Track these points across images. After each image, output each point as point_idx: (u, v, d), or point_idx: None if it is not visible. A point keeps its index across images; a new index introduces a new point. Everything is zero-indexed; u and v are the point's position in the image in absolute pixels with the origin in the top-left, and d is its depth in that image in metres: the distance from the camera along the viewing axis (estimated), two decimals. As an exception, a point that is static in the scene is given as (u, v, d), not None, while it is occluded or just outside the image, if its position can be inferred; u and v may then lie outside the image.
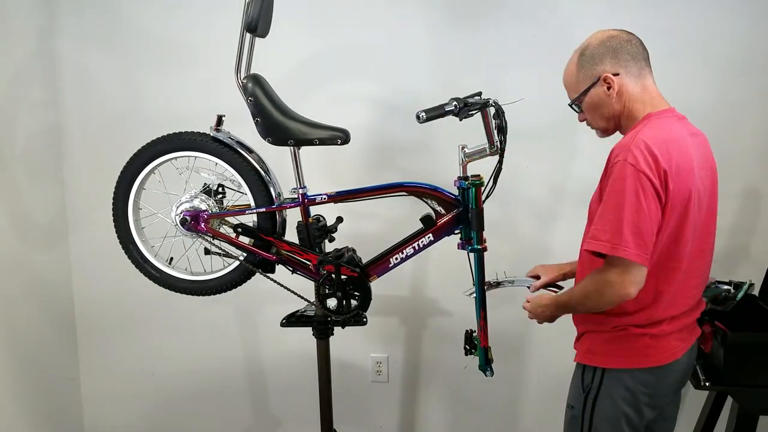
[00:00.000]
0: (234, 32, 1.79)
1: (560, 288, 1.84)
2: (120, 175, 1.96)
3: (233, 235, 1.91)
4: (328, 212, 2.00)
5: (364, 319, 1.91)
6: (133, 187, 1.96)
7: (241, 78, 1.80)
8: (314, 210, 1.92)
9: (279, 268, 1.95)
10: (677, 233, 1.45)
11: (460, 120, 1.72)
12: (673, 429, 1.74)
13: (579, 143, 2.38)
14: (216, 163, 1.89)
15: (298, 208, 1.87)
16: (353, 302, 1.87)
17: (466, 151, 1.76)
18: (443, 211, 1.79)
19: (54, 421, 2.75)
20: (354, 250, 1.91)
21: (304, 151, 1.84)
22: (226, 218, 1.95)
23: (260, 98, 1.79)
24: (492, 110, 1.72)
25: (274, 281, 1.92)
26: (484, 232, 1.78)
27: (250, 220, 1.92)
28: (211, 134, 1.87)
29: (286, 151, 1.84)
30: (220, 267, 1.98)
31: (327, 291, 1.87)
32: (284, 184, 1.94)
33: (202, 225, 1.90)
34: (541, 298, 1.66)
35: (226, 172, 1.90)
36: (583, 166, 2.39)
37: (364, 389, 2.73)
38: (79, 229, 2.76)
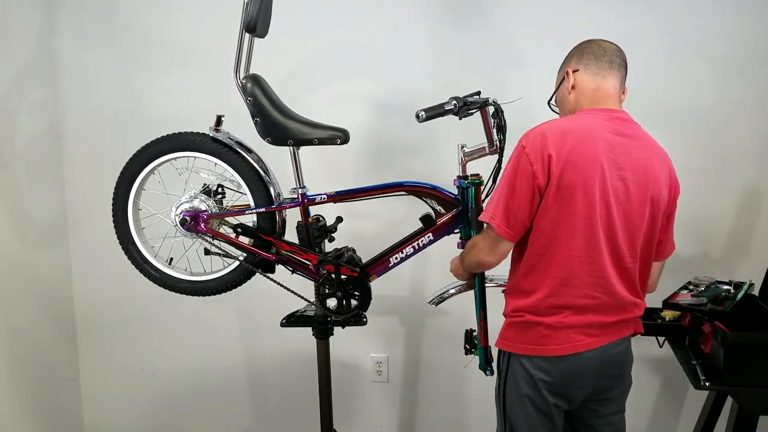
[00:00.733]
0: (233, 32, 1.79)
1: None
2: (120, 176, 1.96)
3: (233, 235, 1.91)
4: (327, 212, 2.00)
5: (364, 319, 1.91)
6: (133, 188, 1.96)
7: (241, 78, 1.80)
8: (314, 210, 1.92)
9: (279, 268, 1.95)
10: (564, 220, 1.47)
11: (460, 119, 1.72)
12: (619, 412, 1.79)
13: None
14: (215, 164, 1.89)
15: (298, 208, 1.87)
16: (353, 302, 1.87)
17: (466, 150, 1.76)
18: (443, 211, 1.79)
19: (54, 421, 2.75)
20: (354, 250, 1.91)
21: (304, 151, 1.83)
22: (226, 218, 1.95)
23: (259, 98, 1.79)
24: (491, 109, 1.72)
25: (274, 281, 1.92)
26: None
27: (249, 220, 1.92)
28: (211, 134, 1.87)
29: (285, 151, 1.84)
30: (219, 267, 1.98)
31: (327, 291, 1.87)
32: (284, 184, 1.94)
33: (202, 225, 1.90)
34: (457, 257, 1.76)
35: (226, 172, 1.90)
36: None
37: (364, 389, 2.73)
38: (79, 229, 2.76)
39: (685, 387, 2.57)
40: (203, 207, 1.91)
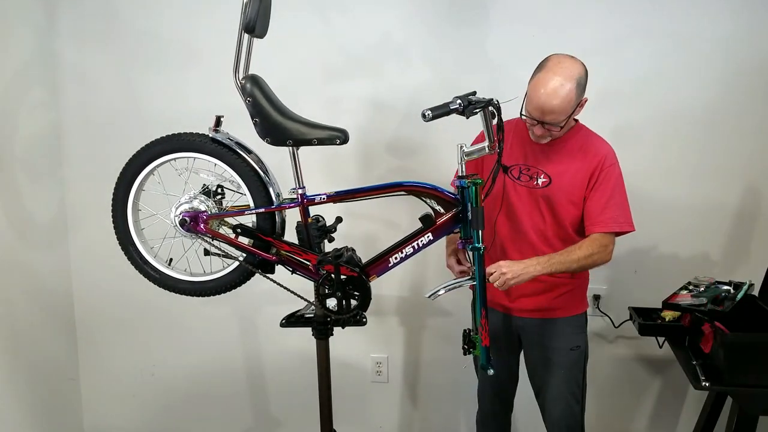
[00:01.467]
0: (232, 33, 1.79)
1: None
2: (119, 176, 1.96)
3: (232, 235, 1.91)
4: (327, 212, 2.00)
5: (364, 319, 1.91)
6: (133, 188, 1.96)
7: (240, 78, 1.80)
8: (313, 210, 1.92)
9: (278, 268, 1.95)
10: None
11: (467, 118, 1.72)
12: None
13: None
14: (215, 164, 1.89)
15: (298, 209, 1.86)
16: (353, 302, 1.86)
17: (465, 150, 1.76)
18: (442, 211, 1.78)
19: (54, 422, 2.75)
20: (353, 250, 1.90)
21: (303, 151, 1.83)
22: (226, 219, 1.95)
23: (259, 99, 1.78)
24: (493, 109, 1.72)
25: (274, 281, 1.92)
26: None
27: (249, 220, 1.92)
28: (210, 135, 1.87)
29: (285, 151, 1.84)
30: (219, 268, 1.98)
31: (327, 291, 1.87)
32: (283, 185, 1.94)
33: (202, 226, 1.89)
34: (517, 262, 1.86)
35: (226, 173, 1.89)
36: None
37: (364, 389, 2.73)
38: (78, 230, 2.76)
39: (685, 387, 2.57)
40: (203, 207, 1.91)
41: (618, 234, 1.96)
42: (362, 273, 1.84)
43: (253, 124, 1.80)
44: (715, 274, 2.31)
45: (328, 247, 1.95)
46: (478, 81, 2.38)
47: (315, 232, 1.89)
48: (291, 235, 1.93)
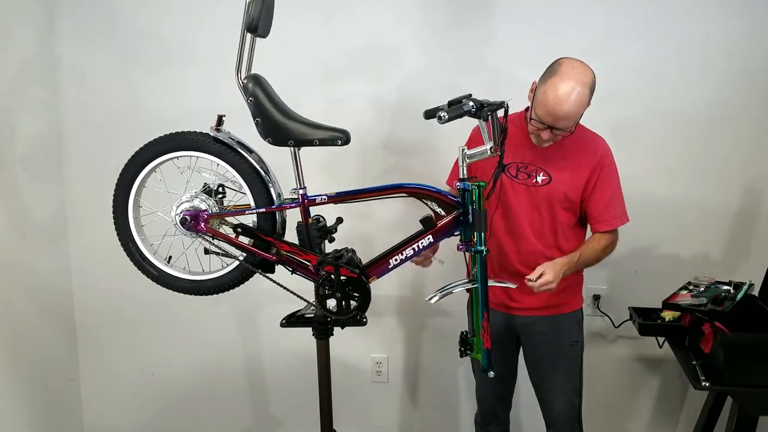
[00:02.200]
0: (234, 32, 1.79)
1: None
2: (121, 173, 1.96)
3: (233, 235, 1.91)
4: (327, 213, 2.00)
5: (364, 320, 1.91)
6: (134, 185, 1.96)
7: (242, 78, 1.80)
8: (314, 210, 1.92)
9: (279, 268, 1.95)
10: None
11: (485, 120, 1.72)
12: None
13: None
14: (217, 164, 1.89)
15: (298, 209, 1.86)
16: (353, 303, 1.86)
17: (467, 152, 1.76)
18: (443, 213, 1.78)
19: (54, 422, 2.75)
20: (354, 251, 1.90)
21: (305, 151, 1.83)
22: (226, 218, 1.95)
23: (261, 98, 1.78)
24: (501, 112, 1.72)
25: (274, 281, 1.92)
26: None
27: (249, 220, 1.92)
28: (212, 134, 1.87)
29: (286, 151, 1.84)
30: (219, 267, 1.98)
31: (327, 291, 1.87)
32: (284, 185, 1.94)
33: (202, 225, 1.89)
34: (554, 264, 1.89)
35: (228, 172, 1.90)
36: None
37: (364, 389, 2.73)
38: (78, 229, 2.76)
39: (685, 387, 2.58)
40: (203, 206, 1.91)
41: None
42: (362, 274, 1.84)
43: (255, 123, 1.80)
44: (715, 274, 2.31)
45: (329, 247, 1.95)
46: (478, 81, 2.38)
47: (315, 232, 1.89)
48: (291, 235, 1.93)
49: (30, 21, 2.54)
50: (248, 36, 1.78)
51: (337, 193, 1.85)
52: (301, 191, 1.85)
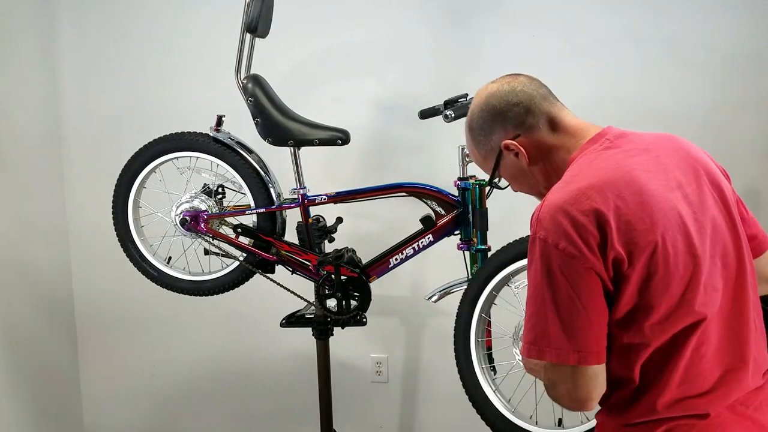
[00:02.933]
0: (234, 33, 1.79)
1: None
2: (121, 173, 1.97)
3: (233, 235, 1.91)
4: (327, 213, 2.00)
5: (364, 320, 1.91)
6: (134, 186, 1.96)
7: (241, 78, 1.80)
8: (314, 210, 1.92)
9: (279, 268, 1.95)
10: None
11: None
12: None
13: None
14: (217, 164, 1.89)
15: (298, 209, 1.87)
16: (353, 303, 1.87)
17: (467, 151, 1.76)
18: (443, 212, 1.79)
19: (54, 421, 2.75)
20: (354, 251, 1.91)
21: (304, 151, 1.84)
22: (226, 219, 1.95)
23: (260, 99, 1.79)
24: None
25: (274, 281, 1.92)
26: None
27: (249, 220, 1.92)
28: (212, 134, 1.87)
29: (286, 151, 1.84)
30: (219, 267, 1.98)
31: (327, 291, 1.87)
32: (284, 185, 1.94)
33: (202, 225, 1.90)
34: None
35: (227, 173, 1.90)
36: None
37: (364, 389, 2.73)
38: (79, 229, 2.76)
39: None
40: (203, 207, 1.91)
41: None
42: (362, 274, 1.85)
43: (255, 124, 1.81)
44: (715, 275, 2.31)
45: (329, 247, 1.95)
46: (478, 81, 2.37)
47: (315, 232, 1.89)
48: (291, 235, 1.93)
49: (30, 21, 2.54)
50: (248, 36, 1.79)
51: (337, 193, 1.85)
52: (301, 191, 1.85)
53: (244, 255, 1.92)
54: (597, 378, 1.03)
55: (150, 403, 2.88)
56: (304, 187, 1.86)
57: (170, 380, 2.84)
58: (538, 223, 1.04)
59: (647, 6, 2.31)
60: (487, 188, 1.77)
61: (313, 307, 1.99)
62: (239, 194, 1.96)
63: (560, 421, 1.63)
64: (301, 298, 1.95)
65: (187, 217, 1.89)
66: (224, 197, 1.98)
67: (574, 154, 1.15)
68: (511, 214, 2.44)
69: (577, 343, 1.01)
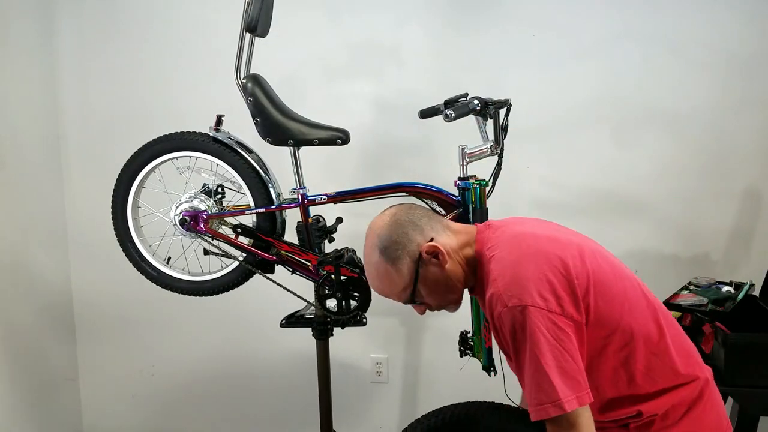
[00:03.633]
0: (234, 32, 1.79)
1: None
2: (120, 173, 1.96)
3: (232, 235, 1.91)
4: (327, 213, 2.00)
5: (364, 320, 1.90)
6: (133, 186, 1.96)
7: (241, 78, 1.80)
8: (314, 210, 1.91)
9: (278, 268, 1.95)
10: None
11: (490, 118, 1.72)
12: None
13: (579, 143, 2.37)
14: (217, 164, 1.89)
15: (298, 209, 1.86)
16: (353, 303, 1.86)
17: (467, 151, 1.76)
18: (443, 212, 1.78)
19: (53, 422, 2.74)
20: (354, 251, 1.90)
21: (304, 151, 1.83)
22: (226, 218, 1.95)
23: (260, 98, 1.78)
24: (505, 110, 1.72)
25: (274, 282, 1.92)
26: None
27: (249, 220, 1.92)
28: (211, 134, 1.87)
29: (286, 151, 1.83)
30: (218, 267, 1.98)
31: (327, 291, 1.87)
32: (284, 185, 1.94)
33: (202, 225, 1.89)
34: None
35: (227, 173, 1.89)
36: (582, 166, 2.39)
37: (364, 390, 2.73)
38: (78, 229, 2.76)
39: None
40: (203, 207, 1.90)
41: None
42: (363, 274, 1.84)
43: (254, 123, 1.80)
44: (716, 274, 2.31)
45: (329, 247, 1.95)
46: (478, 81, 2.38)
47: (315, 232, 1.89)
48: (291, 235, 1.93)
49: (30, 21, 2.54)
50: (247, 36, 1.78)
51: (336, 192, 1.85)
52: (300, 191, 1.85)
53: (244, 255, 1.92)
54: None
55: (149, 404, 2.88)
56: (304, 187, 1.85)
57: (169, 380, 2.84)
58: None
59: (647, 6, 2.31)
60: (488, 188, 1.77)
61: (312, 308, 1.98)
62: (239, 194, 1.95)
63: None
64: (301, 298, 1.95)
65: (187, 217, 1.89)
66: (224, 197, 1.97)
67: (484, 247, 1.35)
68: (511, 214, 2.44)
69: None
